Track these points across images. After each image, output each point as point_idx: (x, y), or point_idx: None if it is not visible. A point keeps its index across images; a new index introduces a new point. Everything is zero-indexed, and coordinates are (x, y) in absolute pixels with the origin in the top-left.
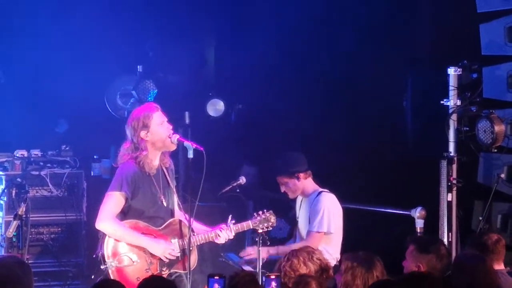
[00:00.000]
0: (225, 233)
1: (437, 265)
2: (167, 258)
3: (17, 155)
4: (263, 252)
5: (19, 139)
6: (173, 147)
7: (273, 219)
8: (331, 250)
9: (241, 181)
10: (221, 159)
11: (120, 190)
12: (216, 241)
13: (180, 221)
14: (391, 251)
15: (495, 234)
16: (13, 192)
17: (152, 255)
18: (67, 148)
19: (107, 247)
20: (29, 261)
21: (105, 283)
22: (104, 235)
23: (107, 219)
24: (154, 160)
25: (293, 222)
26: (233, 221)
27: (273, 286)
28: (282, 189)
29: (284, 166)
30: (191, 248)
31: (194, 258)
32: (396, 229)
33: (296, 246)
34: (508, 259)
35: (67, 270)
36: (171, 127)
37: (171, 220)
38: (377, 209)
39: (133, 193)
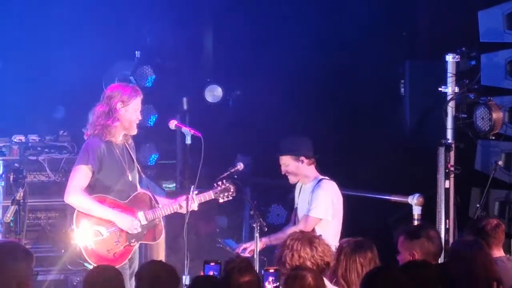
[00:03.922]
0: (188, 204)
1: (430, 248)
2: (133, 232)
3: (15, 140)
4: (261, 244)
5: (17, 124)
6: (135, 132)
7: (232, 188)
8: (329, 237)
9: (238, 167)
10: (219, 145)
11: (87, 163)
12: (180, 211)
13: (145, 194)
14: (389, 238)
15: (494, 219)
16: (11, 177)
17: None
18: (65, 134)
19: (77, 222)
20: (27, 246)
21: (101, 268)
22: (72, 210)
23: (75, 192)
24: (120, 134)
25: (291, 208)
26: (196, 192)
27: (271, 280)
28: (283, 171)
29: (290, 147)
30: (157, 221)
31: (160, 229)
32: (394, 216)
33: (291, 230)
34: (505, 246)
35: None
36: (140, 118)
37: (135, 193)
38: (375, 196)
39: (99, 166)
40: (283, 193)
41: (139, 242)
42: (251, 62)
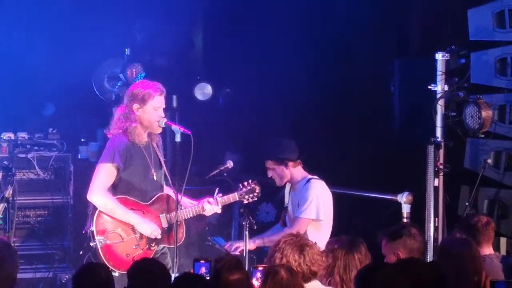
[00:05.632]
0: (211, 206)
1: (413, 245)
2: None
3: (4, 138)
4: (250, 245)
5: (5, 121)
6: (159, 131)
7: (258, 189)
8: (321, 237)
9: (228, 165)
10: (208, 143)
11: (112, 161)
12: (203, 213)
13: (168, 196)
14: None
15: (484, 216)
16: (0, 175)
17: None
18: (54, 131)
19: (97, 224)
20: (16, 244)
21: (90, 266)
22: (93, 211)
23: (99, 192)
24: (143, 133)
25: (281, 206)
26: (220, 194)
27: (258, 277)
28: (269, 174)
29: (274, 151)
30: (179, 222)
31: (182, 231)
32: (383, 214)
33: (282, 233)
34: (494, 244)
35: (53, 253)
36: (163, 115)
37: (159, 194)
38: (364, 194)
39: (124, 164)
40: (272, 191)
41: (159, 245)
42: (241, 60)
